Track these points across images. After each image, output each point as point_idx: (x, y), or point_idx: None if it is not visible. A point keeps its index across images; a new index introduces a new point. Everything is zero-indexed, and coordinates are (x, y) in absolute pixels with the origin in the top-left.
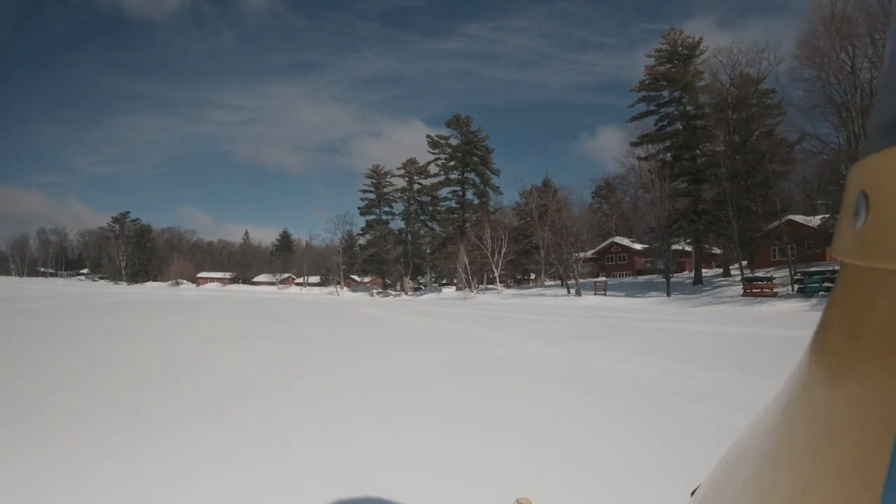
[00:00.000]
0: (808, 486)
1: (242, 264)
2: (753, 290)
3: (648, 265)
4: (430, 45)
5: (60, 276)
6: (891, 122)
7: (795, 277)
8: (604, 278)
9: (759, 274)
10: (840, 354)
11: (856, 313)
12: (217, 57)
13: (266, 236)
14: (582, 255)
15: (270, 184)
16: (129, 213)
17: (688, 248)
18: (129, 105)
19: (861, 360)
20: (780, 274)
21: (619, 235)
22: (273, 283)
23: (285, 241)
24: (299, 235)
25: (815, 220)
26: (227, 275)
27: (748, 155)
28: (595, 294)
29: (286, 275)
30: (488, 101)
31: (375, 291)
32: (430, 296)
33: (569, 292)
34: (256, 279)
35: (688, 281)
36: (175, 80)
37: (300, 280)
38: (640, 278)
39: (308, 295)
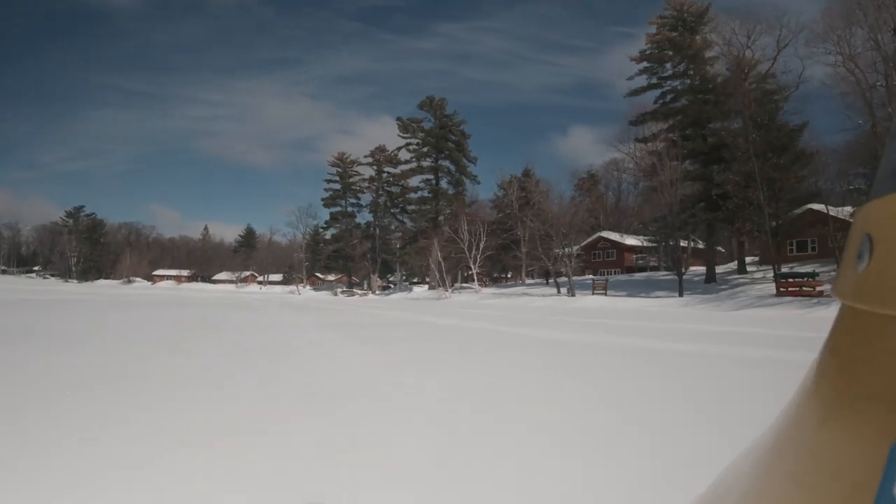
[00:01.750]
0: None
1: (202, 261)
2: (790, 289)
3: (640, 261)
4: (407, 43)
5: (10, 274)
6: None
7: None
8: (604, 276)
9: (798, 269)
10: (833, 395)
11: (852, 356)
12: (190, 51)
13: (233, 233)
14: (576, 248)
15: (240, 181)
16: (83, 206)
17: (684, 244)
18: (100, 99)
19: (854, 402)
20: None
21: (606, 230)
22: (233, 282)
23: (249, 238)
24: (265, 231)
25: (843, 210)
26: (185, 272)
27: (775, 131)
28: (593, 294)
29: (247, 273)
30: (463, 100)
31: (340, 290)
32: (399, 295)
33: (558, 291)
34: (216, 277)
35: (696, 279)
36: (147, 74)
37: (262, 278)
38: (638, 276)
39: (259, 294)
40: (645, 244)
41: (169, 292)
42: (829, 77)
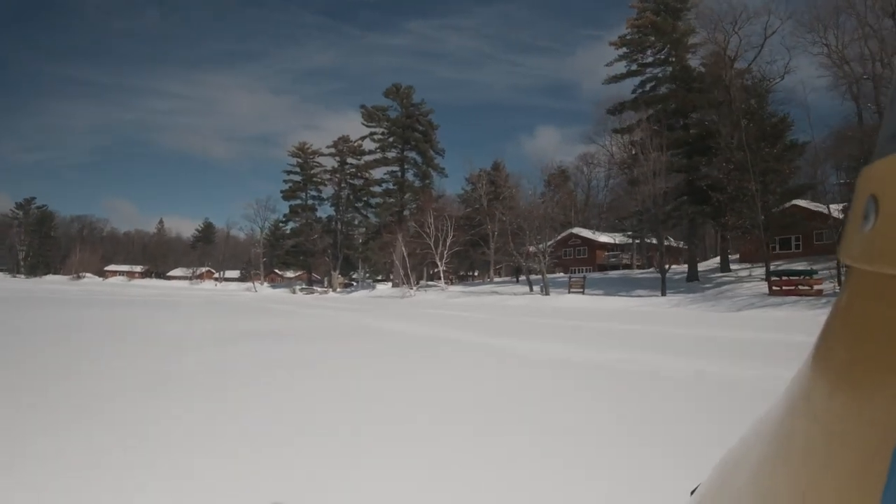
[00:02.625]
0: (806, 491)
1: (157, 256)
2: (784, 288)
3: (613, 259)
4: (375, 40)
5: None
6: None
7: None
8: (581, 274)
9: (796, 266)
10: (843, 360)
11: (861, 319)
12: (151, 41)
13: (192, 228)
14: (550, 243)
15: (201, 175)
16: (34, 198)
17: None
18: (57, 90)
19: (864, 366)
20: (761, 271)
21: (578, 227)
22: (188, 278)
23: (207, 232)
24: (224, 226)
25: (830, 207)
26: (139, 268)
27: (765, 119)
28: (570, 292)
29: (204, 269)
30: (431, 98)
31: (298, 288)
32: (361, 293)
33: (531, 290)
34: (172, 273)
35: (677, 277)
36: (106, 64)
37: (218, 275)
38: (613, 274)
39: (212, 291)
40: (618, 241)
41: (108, 288)
42: (816, 68)
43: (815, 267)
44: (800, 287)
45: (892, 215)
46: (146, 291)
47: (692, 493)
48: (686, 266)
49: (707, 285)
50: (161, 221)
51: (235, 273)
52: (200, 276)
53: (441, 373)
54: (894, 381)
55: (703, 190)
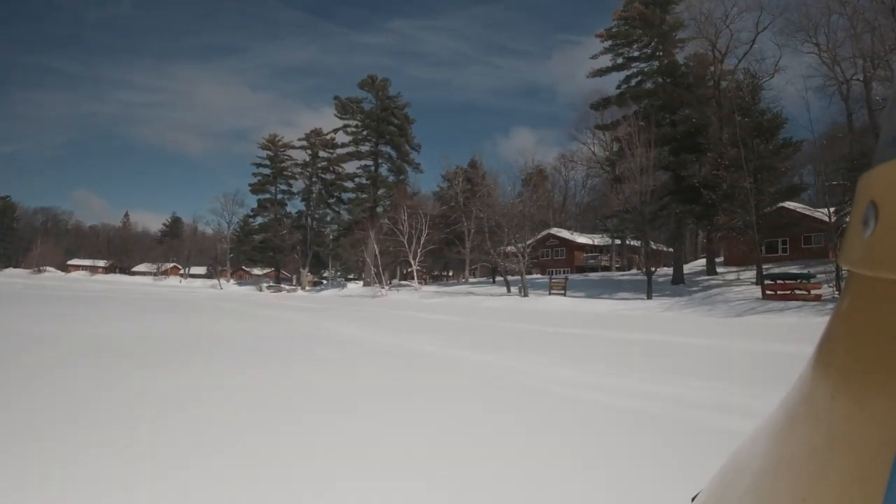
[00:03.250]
0: (808, 496)
1: (121, 251)
2: (779, 292)
3: (592, 261)
4: (355, 37)
5: None
6: None
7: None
8: (563, 275)
9: (791, 270)
10: (844, 364)
11: (862, 324)
12: (126, 33)
13: (160, 223)
14: (530, 242)
15: (174, 170)
16: None
17: (637, 243)
18: (28, 79)
19: (865, 371)
20: (750, 274)
21: (556, 227)
22: (154, 274)
23: (175, 227)
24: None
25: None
26: (102, 263)
27: (759, 115)
28: (551, 294)
29: (170, 265)
30: (410, 97)
31: (265, 286)
32: (330, 292)
33: (509, 291)
34: (137, 269)
35: (661, 279)
36: (79, 54)
37: (184, 271)
38: (593, 275)
39: (174, 287)
40: (597, 242)
41: (64, 283)
42: (806, 68)
43: (811, 271)
44: (795, 292)
45: (891, 221)
46: (100, 287)
47: (693, 499)
48: (669, 268)
49: (694, 288)
50: (126, 215)
51: (203, 270)
52: (166, 273)
53: (397, 427)
54: (893, 387)
55: (693, 188)
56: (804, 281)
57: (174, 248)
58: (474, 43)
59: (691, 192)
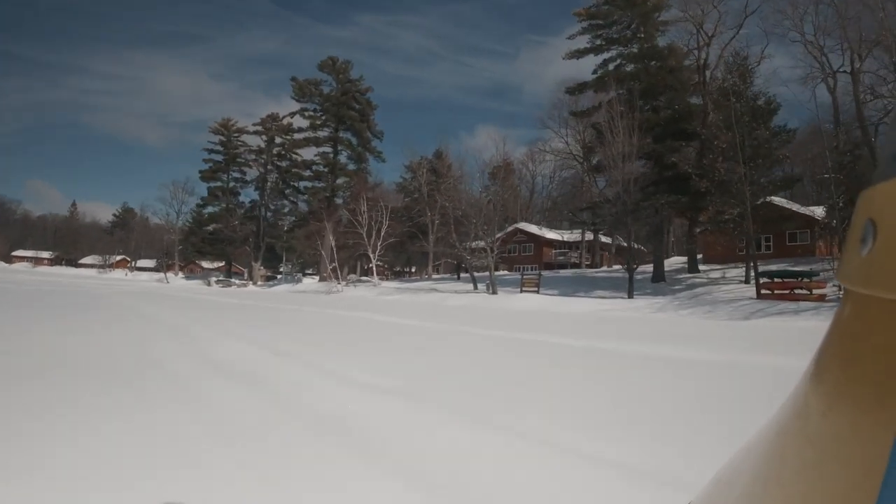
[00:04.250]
0: None
1: (68, 242)
2: (776, 291)
3: (561, 257)
4: (323, 30)
5: None
6: None
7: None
8: (536, 273)
9: (775, 268)
10: (838, 381)
11: (856, 341)
12: (86, 18)
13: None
14: (499, 236)
15: (130, 159)
16: None
17: (607, 240)
18: None
19: (858, 389)
20: (736, 272)
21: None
22: (101, 266)
23: (126, 218)
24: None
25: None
26: (47, 254)
27: (751, 100)
28: (523, 291)
29: (119, 257)
30: (378, 93)
31: (215, 280)
32: (283, 287)
33: (475, 288)
34: (84, 261)
35: (639, 277)
36: (35, 39)
37: (133, 263)
38: (564, 272)
39: (117, 281)
40: (566, 238)
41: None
42: (791, 59)
43: (813, 268)
44: (795, 291)
45: (889, 240)
46: (32, 279)
47: None
48: (648, 265)
49: (677, 287)
50: (74, 205)
51: (153, 263)
52: (113, 266)
53: None
54: (888, 405)
55: (679, 177)
56: (806, 279)
57: (122, 239)
58: (444, 40)
59: (677, 182)
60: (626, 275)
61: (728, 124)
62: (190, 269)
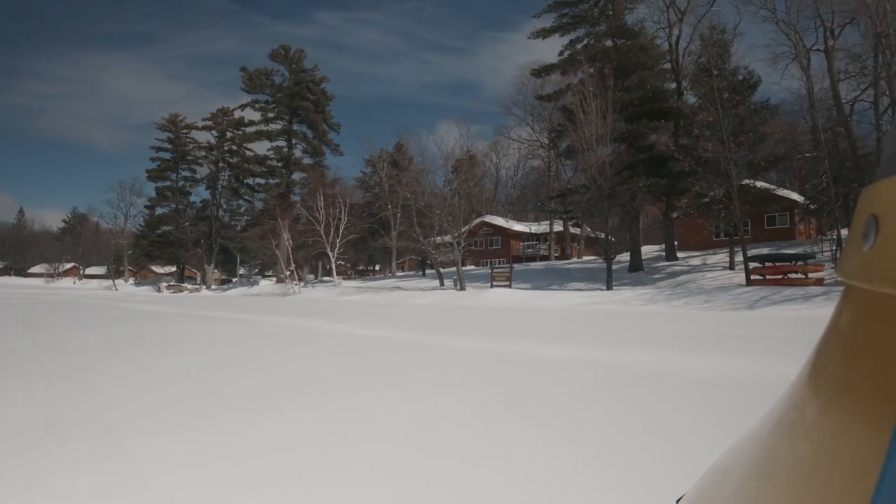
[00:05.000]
0: None
1: (17, 251)
2: (770, 277)
3: (529, 250)
4: (281, 28)
5: None
6: None
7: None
8: (507, 266)
9: (790, 251)
10: (836, 378)
11: (856, 337)
12: (32, 19)
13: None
14: (465, 230)
15: (83, 163)
16: None
17: (576, 230)
18: None
19: (857, 386)
20: (718, 259)
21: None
22: (50, 275)
23: (78, 223)
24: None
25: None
26: None
27: (731, 76)
28: (493, 286)
29: (69, 265)
30: (336, 91)
31: (165, 285)
32: (238, 291)
33: (442, 284)
34: (33, 270)
35: (615, 266)
36: None
37: (94, 271)
38: (535, 265)
39: (63, 289)
40: (534, 230)
41: None
42: (763, 37)
43: (808, 249)
44: (789, 276)
45: (891, 235)
46: None
47: (678, 501)
48: (623, 255)
49: (656, 276)
50: (21, 211)
51: (104, 269)
52: (67, 273)
53: None
54: (886, 401)
55: (656, 159)
56: (801, 263)
57: (70, 246)
58: (404, 37)
59: (654, 164)
60: (601, 265)
61: (711, 99)
62: (143, 274)
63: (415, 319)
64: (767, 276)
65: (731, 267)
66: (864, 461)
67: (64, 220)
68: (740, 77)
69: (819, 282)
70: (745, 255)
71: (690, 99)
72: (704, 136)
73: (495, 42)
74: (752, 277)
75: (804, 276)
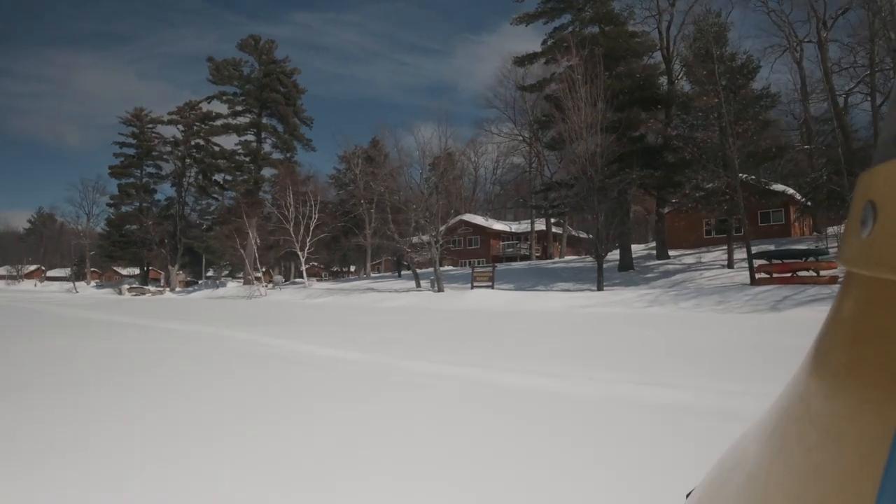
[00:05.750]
0: (801, 495)
1: None
2: (777, 275)
3: (510, 250)
4: (258, 28)
5: None
6: None
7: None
8: (489, 265)
9: (800, 247)
10: (840, 364)
11: (858, 323)
12: (5, 17)
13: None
14: (442, 229)
15: (55, 164)
16: None
17: (558, 230)
18: None
19: (860, 371)
20: (713, 256)
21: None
22: (12, 277)
23: (42, 224)
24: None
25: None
26: None
27: (728, 61)
28: (474, 287)
29: (34, 266)
30: (313, 91)
31: (127, 287)
32: (202, 294)
33: (419, 285)
34: None
35: (605, 266)
36: None
37: (58, 273)
38: (517, 265)
39: (17, 293)
40: (514, 229)
41: None
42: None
43: (820, 245)
44: (798, 273)
45: (890, 221)
46: None
47: (688, 495)
48: (612, 253)
49: (650, 275)
50: None
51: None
52: (31, 275)
53: None
54: (891, 386)
55: (649, 151)
56: (812, 259)
57: (33, 247)
58: (381, 39)
59: (646, 156)
60: (587, 264)
61: (712, 82)
62: (109, 276)
63: (390, 329)
64: (775, 275)
65: (730, 265)
66: (871, 446)
67: (29, 221)
68: (739, 62)
69: (833, 280)
70: (748, 252)
71: (685, 87)
72: (703, 125)
73: (472, 44)
74: (760, 276)
75: (816, 274)
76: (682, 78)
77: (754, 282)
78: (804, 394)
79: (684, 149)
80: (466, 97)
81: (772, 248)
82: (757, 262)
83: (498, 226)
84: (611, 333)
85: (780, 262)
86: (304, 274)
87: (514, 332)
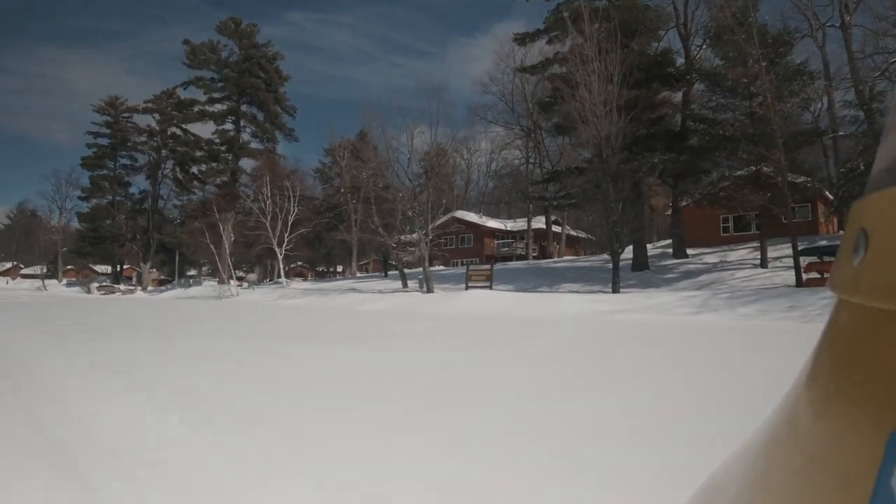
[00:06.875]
0: None
1: None
2: (828, 276)
3: (505, 249)
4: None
5: None
6: (894, 163)
7: None
8: (486, 264)
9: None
10: (828, 389)
11: (847, 350)
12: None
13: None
14: (433, 225)
15: (42, 160)
16: None
17: (557, 229)
18: None
19: (850, 396)
20: (738, 255)
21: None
22: None
23: (22, 219)
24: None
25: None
26: None
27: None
28: (470, 288)
29: (9, 264)
30: (304, 91)
31: (96, 286)
32: (172, 293)
33: (406, 286)
34: None
35: (610, 265)
36: None
37: (34, 270)
38: (514, 264)
39: None
40: (509, 227)
41: None
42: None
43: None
44: None
45: (880, 250)
46: None
47: None
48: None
49: (669, 276)
50: None
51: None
52: (8, 273)
53: None
54: (877, 412)
55: (669, 134)
56: None
57: (7, 243)
58: (375, 40)
59: (667, 138)
60: (593, 264)
61: (747, 50)
62: (85, 274)
63: (362, 343)
64: (826, 275)
65: (763, 265)
66: (857, 472)
67: (8, 217)
68: (773, 32)
69: None
70: (794, 248)
71: (707, 63)
72: (732, 104)
73: (465, 47)
74: (811, 276)
75: None
76: (700, 57)
77: (801, 283)
78: (792, 417)
79: (712, 130)
80: (460, 100)
81: (824, 243)
82: (805, 261)
83: (492, 223)
84: (723, 365)
85: (830, 259)
86: (282, 272)
87: (532, 354)
